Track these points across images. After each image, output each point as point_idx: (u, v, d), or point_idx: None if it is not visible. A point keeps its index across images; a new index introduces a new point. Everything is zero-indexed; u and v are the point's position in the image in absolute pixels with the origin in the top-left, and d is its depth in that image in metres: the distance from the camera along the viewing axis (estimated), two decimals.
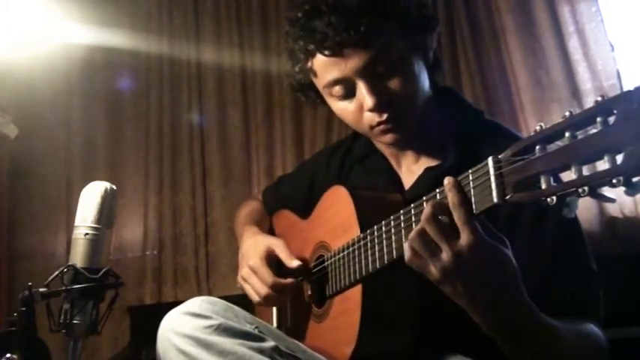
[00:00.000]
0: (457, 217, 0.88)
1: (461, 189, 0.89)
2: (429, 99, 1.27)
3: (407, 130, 1.23)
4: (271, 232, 1.62)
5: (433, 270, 0.90)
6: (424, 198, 0.98)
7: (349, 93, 1.21)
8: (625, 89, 0.71)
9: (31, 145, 3.47)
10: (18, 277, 3.33)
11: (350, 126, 1.32)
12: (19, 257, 3.43)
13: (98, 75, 3.59)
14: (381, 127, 1.21)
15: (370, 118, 1.21)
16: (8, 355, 1.09)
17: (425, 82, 1.25)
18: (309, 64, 1.24)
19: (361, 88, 1.18)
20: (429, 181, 1.20)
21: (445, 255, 0.88)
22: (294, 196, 1.60)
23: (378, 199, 1.25)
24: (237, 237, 1.62)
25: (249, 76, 3.47)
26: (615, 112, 0.69)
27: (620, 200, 2.69)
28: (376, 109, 1.18)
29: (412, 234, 0.92)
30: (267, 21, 3.49)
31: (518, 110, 2.94)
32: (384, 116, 1.19)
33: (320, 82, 1.25)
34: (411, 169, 1.33)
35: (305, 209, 1.48)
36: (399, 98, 1.19)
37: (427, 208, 0.91)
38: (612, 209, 2.71)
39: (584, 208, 2.68)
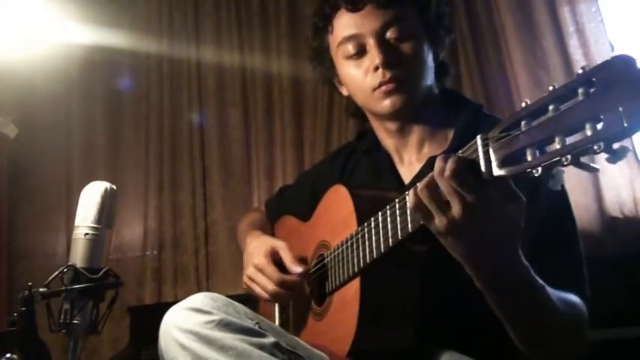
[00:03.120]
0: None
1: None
2: (432, 90, 1.35)
3: (408, 96, 1.29)
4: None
5: (438, 222, 0.90)
6: (417, 184, 0.98)
7: (359, 53, 1.31)
8: None
9: (31, 145, 3.48)
10: (18, 277, 3.33)
11: (354, 96, 1.38)
12: (19, 257, 3.43)
13: (98, 75, 3.59)
14: (383, 87, 1.28)
15: (374, 79, 1.29)
16: (8, 355, 1.09)
17: (430, 67, 1.33)
18: (331, 18, 1.36)
19: (372, 46, 1.29)
20: (428, 172, 1.21)
21: (455, 210, 0.88)
22: (297, 204, 1.62)
23: (378, 198, 1.26)
24: (240, 245, 1.62)
25: (249, 76, 3.48)
26: (595, 81, 0.70)
27: (620, 200, 2.69)
28: (382, 66, 1.27)
29: (422, 183, 0.91)
30: (267, 21, 3.50)
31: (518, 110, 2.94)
32: (388, 75, 1.27)
33: (335, 39, 1.36)
34: (412, 163, 1.36)
35: (307, 215, 1.49)
36: (405, 63, 1.28)
37: (439, 162, 0.90)
38: (612, 209, 2.70)
39: (584, 208, 2.67)
